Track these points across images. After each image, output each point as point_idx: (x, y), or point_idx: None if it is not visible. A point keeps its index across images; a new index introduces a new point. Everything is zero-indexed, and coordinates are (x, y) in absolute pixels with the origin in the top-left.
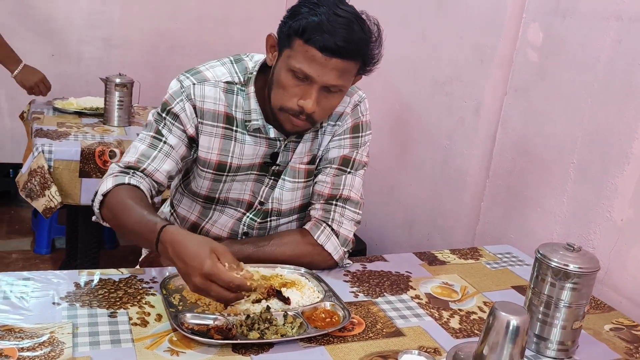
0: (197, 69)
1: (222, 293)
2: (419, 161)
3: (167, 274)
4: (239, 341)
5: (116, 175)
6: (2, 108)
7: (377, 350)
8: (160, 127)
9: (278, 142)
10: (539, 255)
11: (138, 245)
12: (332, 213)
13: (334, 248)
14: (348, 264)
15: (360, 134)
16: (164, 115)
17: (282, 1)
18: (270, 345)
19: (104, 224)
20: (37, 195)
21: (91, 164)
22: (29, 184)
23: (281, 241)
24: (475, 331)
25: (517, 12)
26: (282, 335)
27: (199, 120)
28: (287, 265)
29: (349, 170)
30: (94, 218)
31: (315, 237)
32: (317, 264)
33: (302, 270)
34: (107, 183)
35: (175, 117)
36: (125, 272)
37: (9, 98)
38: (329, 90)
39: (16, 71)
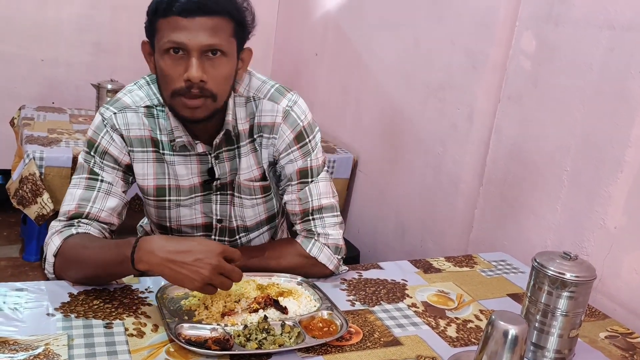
0: (116, 97)
1: (235, 272)
2: (412, 167)
3: (163, 283)
4: (236, 352)
5: (61, 231)
6: None
7: None
8: (92, 167)
9: (208, 156)
10: (536, 263)
11: (108, 280)
12: (314, 229)
13: (328, 259)
14: (344, 270)
15: (306, 140)
16: (92, 153)
17: (274, 5)
18: (268, 355)
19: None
20: (29, 203)
21: None
22: (20, 191)
23: (276, 253)
24: (473, 340)
25: (510, 19)
26: (280, 345)
27: (129, 149)
28: (283, 274)
29: (310, 180)
30: (50, 277)
31: (307, 251)
32: (313, 274)
33: (299, 278)
34: (54, 242)
35: (104, 152)
36: (120, 282)
37: None
38: (210, 56)
39: None
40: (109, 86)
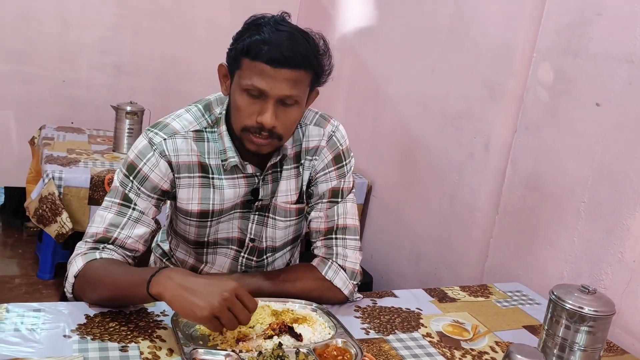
0: (164, 122)
1: (244, 312)
2: (428, 195)
3: None
4: None
5: (85, 253)
6: (11, 132)
7: None
8: (127, 192)
9: (255, 178)
10: (554, 296)
11: (122, 304)
12: (334, 248)
13: (343, 283)
14: (358, 297)
15: (343, 163)
16: (131, 178)
17: None
18: None
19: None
20: (49, 222)
21: (100, 191)
22: (39, 210)
23: (291, 276)
24: None
25: (528, 51)
26: None
27: (175, 175)
28: (298, 300)
29: (339, 200)
30: (68, 296)
31: (323, 273)
32: (327, 298)
33: (313, 305)
34: (76, 263)
35: (144, 178)
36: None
37: (18, 122)
38: (285, 104)
39: None
40: (128, 108)
